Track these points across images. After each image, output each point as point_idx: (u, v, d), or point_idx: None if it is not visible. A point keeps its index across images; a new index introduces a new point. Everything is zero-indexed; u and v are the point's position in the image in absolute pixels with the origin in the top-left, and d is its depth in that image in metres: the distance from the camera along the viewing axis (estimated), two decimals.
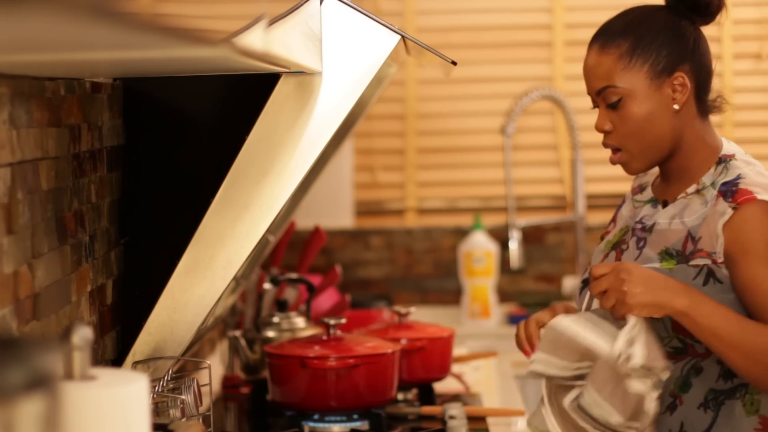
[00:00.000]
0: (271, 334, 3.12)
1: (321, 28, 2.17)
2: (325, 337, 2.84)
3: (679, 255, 2.21)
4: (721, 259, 2.18)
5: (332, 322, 2.84)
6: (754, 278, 2.16)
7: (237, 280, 3.07)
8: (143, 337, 2.22)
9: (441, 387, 3.21)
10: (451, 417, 2.84)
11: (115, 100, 2.25)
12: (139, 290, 2.25)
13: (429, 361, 3.08)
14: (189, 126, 2.27)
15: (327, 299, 3.83)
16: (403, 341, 3.04)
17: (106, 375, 1.42)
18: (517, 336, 2.28)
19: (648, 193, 2.36)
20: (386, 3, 4.54)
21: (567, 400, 2.16)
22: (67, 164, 1.98)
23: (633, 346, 2.10)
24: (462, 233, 4.49)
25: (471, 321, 4.34)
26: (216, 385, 3.27)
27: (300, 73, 2.15)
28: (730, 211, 2.18)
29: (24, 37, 1.16)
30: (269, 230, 2.39)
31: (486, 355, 3.61)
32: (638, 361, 2.09)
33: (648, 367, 2.10)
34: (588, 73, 2.27)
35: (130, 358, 2.23)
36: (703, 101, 2.28)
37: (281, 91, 2.15)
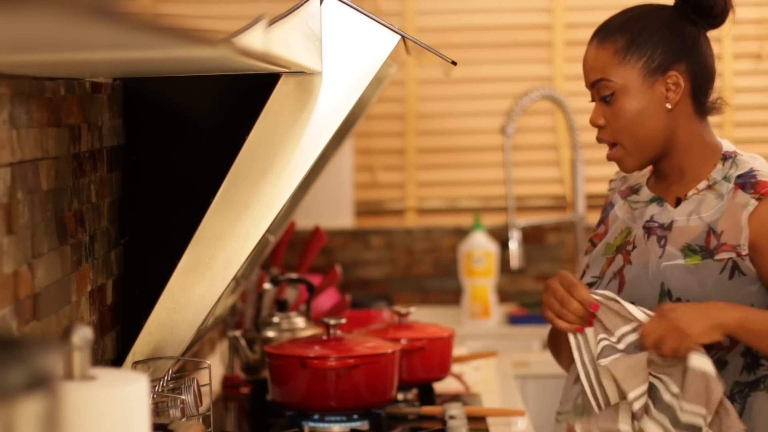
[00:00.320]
0: (271, 334, 3.12)
1: (321, 28, 2.17)
2: (325, 337, 2.84)
3: (703, 250, 2.23)
4: (745, 252, 2.21)
5: (332, 322, 2.84)
6: None
7: (237, 280, 3.07)
8: (143, 337, 2.22)
9: (441, 387, 3.21)
10: (451, 417, 2.83)
11: (115, 100, 2.25)
12: (139, 290, 2.25)
13: (429, 361, 3.08)
14: (189, 126, 2.26)
15: (327, 299, 3.83)
16: (403, 341, 3.04)
17: (106, 375, 1.42)
18: (567, 312, 2.23)
19: (646, 193, 2.37)
20: (386, 3, 4.54)
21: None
22: (67, 164, 1.98)
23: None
24: (462, 233, 4.49)
25: (471, 321, 4.34)
26: (216, 385, 3.27)
27: (300, 73, 2.15)
28: (753, 203, 2.22)
29: (24, 37, 1.16)
30: (269, 230, 2.39)
31: (486, 355, 3.60)
32: None
33: None
34: (585, 66, 2.31)
35: (130, 358, 2.23)
36: (701, 102, 2.30)
37: (281, 91, 2.15)
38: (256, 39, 1.48)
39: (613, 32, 2.28)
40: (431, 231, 4.55)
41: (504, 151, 4.37)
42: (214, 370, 2.92)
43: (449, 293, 4.52)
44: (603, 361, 2.18)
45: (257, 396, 3.02)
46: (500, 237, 4.40)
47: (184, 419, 2.12)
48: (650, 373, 2.16)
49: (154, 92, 2.27)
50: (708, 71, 2.30)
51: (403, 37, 2.25)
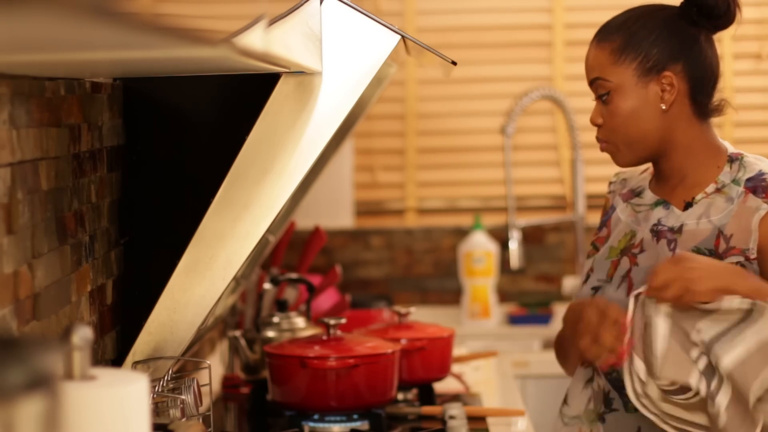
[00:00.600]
0: (271, 334, 3.12)
1: (321, 28, 2.17)
2: (325, 337, 2.84)
3: (712, 254, 2.23)
4: (753, 255, 2.21)
5: (332, 322, 2.84)
6: None
7: (237, 280, 3.07)
8: (143, 337, 2.22)
9: (441, 387, 3.21)
10: (451, 417, 2.83)
11: (115, 100, 2.25)
12: (139, 290, 2.25)
13: (429, 361, 3.08)
14: (189, 126, 2.26)
15: (327, 299, 3.83)
16: (403, 341, 3.04)
17: (106, 375, 1.42)
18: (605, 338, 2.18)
19: (649, 196, 2.36)
20: (386, 3, 4.54)
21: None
22: (67, 164, 1.98)
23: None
24: (462, 233, 4.49)
25: (471, 321, 4.34)
26: (216, 385, 3.27)
27: (300, 73, 2.15)
28: (765, 207, 2.22)
29: (24, 37, 1.16)
30: (269, 230, 2.39)
31: (486, 355, 3.60)
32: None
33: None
34: (585, 65, 2.33)
35: (130, 358, 2.23)
36: (701, 103, 2.29)
37: (281, 91, 2.15)
38: (256, 39, 1.48)
39: (611, 32, 2.30)
40: (431, 231, 4.55)
41: (504, 151, 4.37)
42: (214, 370, 2.92)
43: (449, 293, 4.52)
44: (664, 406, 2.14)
45: (257, 396, 3.02)
46: (500, 237, 4.40)
47: (184, 419, 2.12)
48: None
49: (154, 92, 2.27)
50: (708, 72, 2.29)
51: (403, 37, 2.25)
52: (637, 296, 2.17)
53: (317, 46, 2.15)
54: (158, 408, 2.13)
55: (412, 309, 3.23)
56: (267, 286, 3.36)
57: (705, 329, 2.10)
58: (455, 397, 3.17)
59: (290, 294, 3.51)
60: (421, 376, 3.08)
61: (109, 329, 2.22)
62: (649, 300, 2.15)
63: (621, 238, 2.37)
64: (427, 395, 3.09)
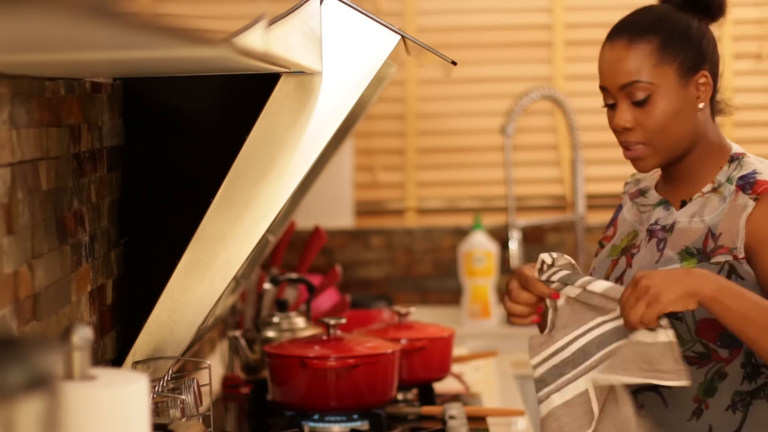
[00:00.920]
0: (271, 334, 3.12)
1: (321, 28, 2.17)
2: (325, 337, 2.84)
3: (700, 253, 2.20)
4: (742, 255, 2.17)
5: (332, 322, 2.84)
6: None
7: (237, 280, 3.07)
8: (143, 337, 2.22)
9: (441, 387, 3.21)
10: (451, 417, 2.83)
11: (115, 100, 2.25)
12: (139, 290, 2.25)
13: (429, 361, 3.08)
14: (189, 126, 2.26)
15: (327, 299, 3.83)
16: (403, 341, 3.04)
17: (106, 375, 1.42)
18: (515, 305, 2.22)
19: (654, 196, 2.34)
20: (386, 3, 4.54)
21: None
22: (67, 164, 1.98)
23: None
24: (462, 233, 4.49)
25: (471, 321, 4.34)
26: (216, 385, 3.27)
27: (300, 73, 2.15)
28: (752, 203, 2.19)
29: (24, 37, 1.16)
30: (269, 230, 2.39)
31: (486, 355, 3.60)
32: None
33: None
34: (611, 68, 2.22)
35: (130, 358, 2.23)
36: (714, 102, 2.28)
37: (281, 91, 2.15)
38: (256, 39, 1.48)
39: (644, 32, 2.21)
40: (431, 231, 4.55)
41: (504, 151, 4.37)
42: (214, 370, 2.92)
43: (449, 293, 4.52)
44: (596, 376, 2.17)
45: (257, 396, 3.02)
46: (500, 237, 4.40)
47: (184, 419, 2.12)
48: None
49: (154, 92, 2.27)
50: (718, 71, 2.29)
51: (403, 37, 2.25)
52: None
53: (317, 46, 2.15)
54: (158, 408, 2.13)
55: (412, 309, 3.23)
56: (267, 286, 3.36)
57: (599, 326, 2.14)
58: (455, 397, 3.17)
59: (290, 294, 3.51)
60: (421, 376, 3.08)
61: (109, 329, 2.22)
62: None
63: (624, 238, 2.36)
64: (427, 395, 3.09)
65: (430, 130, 4.59)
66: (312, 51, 2.09)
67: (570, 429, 2.17)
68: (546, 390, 2.21)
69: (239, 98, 2.18)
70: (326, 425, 2.79)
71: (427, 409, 2.98)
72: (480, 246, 4.35)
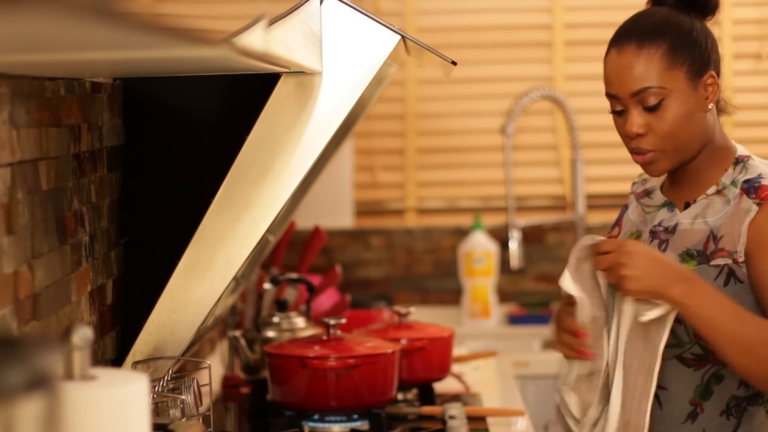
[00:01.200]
0: (271, 334, 3.12)
1: (321, 28, 2.17)
2: (325, 337, 2.84)
3: (700, 255, 2.20)
4: (741, 259, 2.17)
5: (332, 322, 2.84)
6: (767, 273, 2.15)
7: (237, 280, 3.07)
8: (143, 337, 2.22)
9: (441, 387, 3.21)
10: (451, 417, 2.83)
11: (115, 100, 2.25)
12: (139, 290, 2.25)
13: (429, 361, 3.08)
14: (189, 126, 2.27)
15: (327, 299, 3.83)
16: (403, 341, 3.04)
17: (106, 375, 1.42)
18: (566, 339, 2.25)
19: (659, 197, 2.33)
20: (386, 3, 4.54)
21: None
22: (67, 164, 1.98)
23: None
24: (462, 233, 4.49)
25: (471, 321, 4.34)
26: (216, 385, 3.27)
27: (300, 73, 2.15)
28: (755, 208, 2.17)
29: (24, 37, 1.16)
30: (269, 230, 2.39)
31: (486, 355, 3.60)
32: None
33: None
34: (621, 75, 2.20)
35: (130, 358, 2.23)
36: (718, 103, 2.27)
37: (281, 91, 2.15)
38: (256, 39, 1.48)
39: (652, 36, 2.18)
40: (431, 231, 4.55)
41: (504, 151, 4.37)
42: (214, 370, 2.92)
43: (449, 293, 4.52)
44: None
45: (257, 396, 3.02)
46: (500, 237, 4.40)
47: (184, 419, 2.12)
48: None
49: (154, 92, 2.27)
50: (720, 71, 2.28)
51: (403, 37, 2.25)
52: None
53: (317, 46, 2.15)
54: (158, 408, 2.13)
55: (412, 309, 3.23)
56: (267, 286, 3.36)
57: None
58: (455, 397, 3.17)
59: (290, 294, 3.51)
60: (421, 376, 3.08)
61: (109, 329, 2.22)
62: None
63: (628, 238, 2.35)
64: (427, 395, 3.09)
65: (430, 130, 4.59)
66: (312, 51, 2.09)
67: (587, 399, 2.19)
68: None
69: (239, 98, 2.18)
70: (326, 425, 2.79)
71: (427, 409, 2.98)
72: (480, 246, 4.35)
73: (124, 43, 1.30)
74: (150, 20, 1.12)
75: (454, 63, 2.45)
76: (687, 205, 2.27)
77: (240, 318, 3.48)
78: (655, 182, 2.37)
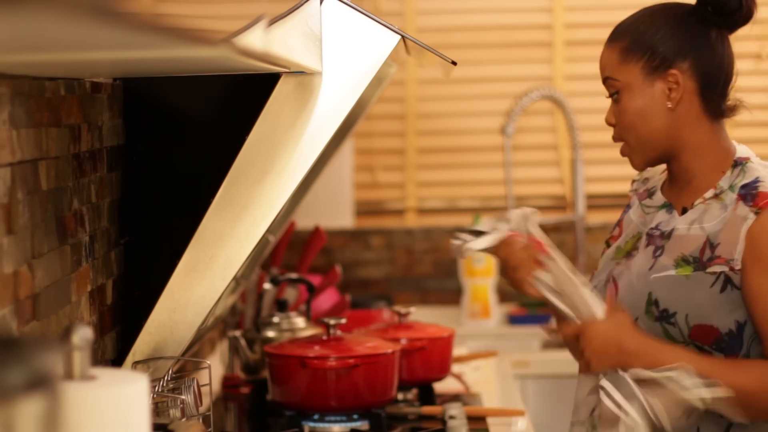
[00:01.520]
0: (271, 334, 3.12)
1: (321, 28, 2.17)
2: (325, 337, 2.84)
3: (696, 262, 2.19)
4: (738, 266, 2.16)
5: (332, 322, 2.84)
6: (760, 288, 2.14)
7: (237, 280, 3.07)
8: (143, 337, 2.22)
9: (441, 387, 3.21)
10: (451, 417, 2.83)
11: (115, 100, 2.25)
12: (139, 290, 2.25)
13: (429, 361, 3.08)
14: (189, 126, 2.26)
15: (327, 299, 3.83)
16: (403, 341, 3.04)
17: (106, 375, 1.42)
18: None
19: (659, 198, 2.33)
20: (386, 3, 4.54)
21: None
22: (67, 164, 1.98)
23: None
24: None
25: (471, 321, 4.34)
26: (216, 385, 3.27)
27: (300, 73, 2.15)
28: (752, 216, 2.16)
29: (24, 37, 1.16)
30: (269, 230, 2.39)
31: (486, 355, 3.60)
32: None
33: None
34: (599, 65, 2.33)
35: (130, 358, 2.23)
36: (711, 102, 2.25)
37: (281, 91, 2.15)
38: (256, 39, 1.48)
39: (621, 31, 2.28)
40: (431, 231, 4.55)
41: (504, 151, 4.37)
42: (214, 370, 2.92)
43: (449, 293, 4.52)
44: None
45: (257, 396, 3.02)
46: None
47: (184, 419, 2.12)
48: None
49: (154, 92, 2.27)
50: (719, 71, 2.25)
51: (403, 37, 2.25)
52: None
53: (317, 46, 2.15)
54: (158, 408, 2.13)
55: (412, 309, 3.23)
56: (267, 286, 3.36)
57: None
58: (455, 397, 3.17)
59: (290, 294, 3.51)
60: (421, 376, 3.08)
61: (109, 329, 2.22)
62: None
63: (629, 240, 2.34)
64: (427, 395, 3.09)
65: (430, 130, 4.59)
66: (312, 51, 2.09)
67: None
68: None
69: (239, 98, 2.18)
70: (326, 425, 2.79)
71: (427, 409, 2.98)
72: None
73: (124, 43, 1.30)
74: (150, 20, 1.12)
75: (454, 63, 2.45)
76: (684, 210, 2.27)
77: (240, 318, 3.48)
78: (657, 182, 2.36)
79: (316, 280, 3.63)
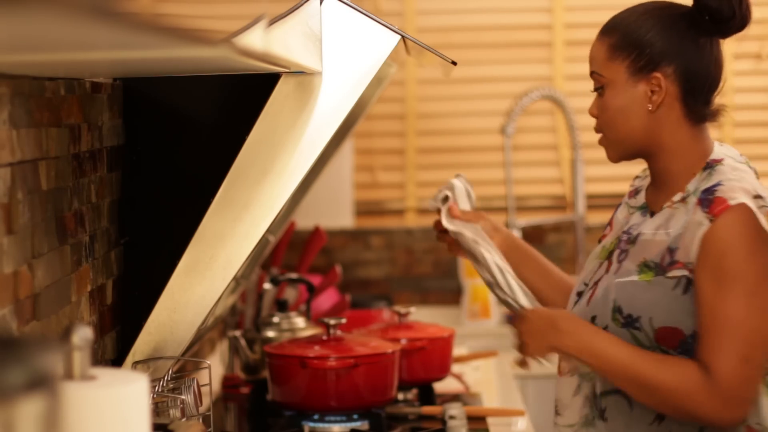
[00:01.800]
0: (271, 334, 3.12)
1: (321, 28, 2.17)
2: (325, 337, 2.84)
3: (657, 267, 2.19)
4: None
5: (332, 322, 2.84)
6: (704, 294, 2.13)
7: (237, 280, 3.08)
8: (143, 337, 2.22)
9: (441, 387, 3.21)
10: (451, 417, 2.83)
11: (115, 100, 2.25)
12: (139, 290, 2.25)
13: (429, 361, 3.08)
14: (189, 126, 2.26)
15: (327, 299, 3.83)
16: (403, 341, 3.04)
17: (106, 375, 1.42)
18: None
19: (640, 199, 2.33)
20: (386, 3, 4.54)
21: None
22: (67, 164, 1.98)
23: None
24: None
25: (471, 321, 4.34)
26: (216, 385, 3.27)
27: (300, 73, 2.15)
28: (707, 223, 2.15)
29: (24, 37, 1.16)
30: (269, 230, 2.39)
31: (486, 355, 3.60)
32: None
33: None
34: (589, 56, 2.35)
35: (130, 358, 2.23)
36: (693, 107, 2.24)
37: (281, 91, 2.15)
38: (256, 39, 1.48)
39: (611, 28, 2.29)
40: (431, 231, 4.53)
41: (504, 151, 4.37)
42: (214, 370, 2.92)
43: (449, 293, 4.52)
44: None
45: (257, 396, 3.02)
46: None
47: (184, 419, 2.12)
48: None
49: (154, 92, 2.27)
50: (704, 77, 2.24)
51: (403, 37, 2.25)
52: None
53: (317, 46, 2.15)
54: (158, 408, 2.13)
55: (412, 309, 3.23)
56: (267, 286, 3.36)
57: None
58: (455, 397, 3.17)
59: (290, 294, 3.51)
60: (421, 376, 3.08)
61: (109, 329, 2.22)
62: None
63: (613, 240, 2.34)
64: (427, 395, 3.09)
65: (430, 130, 4.59)
66: (312, 51, 2.09)
67: None
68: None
69: (239, 98, 2.18)
70: (326, 425, 2.79)
71: (427, 409, 2.98)
72: None
73: (124, 43, 1.30)
74: (150, 20, 1.12)
75: (454, 63, 2.45)
76: (652, 214, 2.27)
77: (240, 318, 3.48)
78: (644, 181, 2.37)
79: (316, 280, 3.63)
